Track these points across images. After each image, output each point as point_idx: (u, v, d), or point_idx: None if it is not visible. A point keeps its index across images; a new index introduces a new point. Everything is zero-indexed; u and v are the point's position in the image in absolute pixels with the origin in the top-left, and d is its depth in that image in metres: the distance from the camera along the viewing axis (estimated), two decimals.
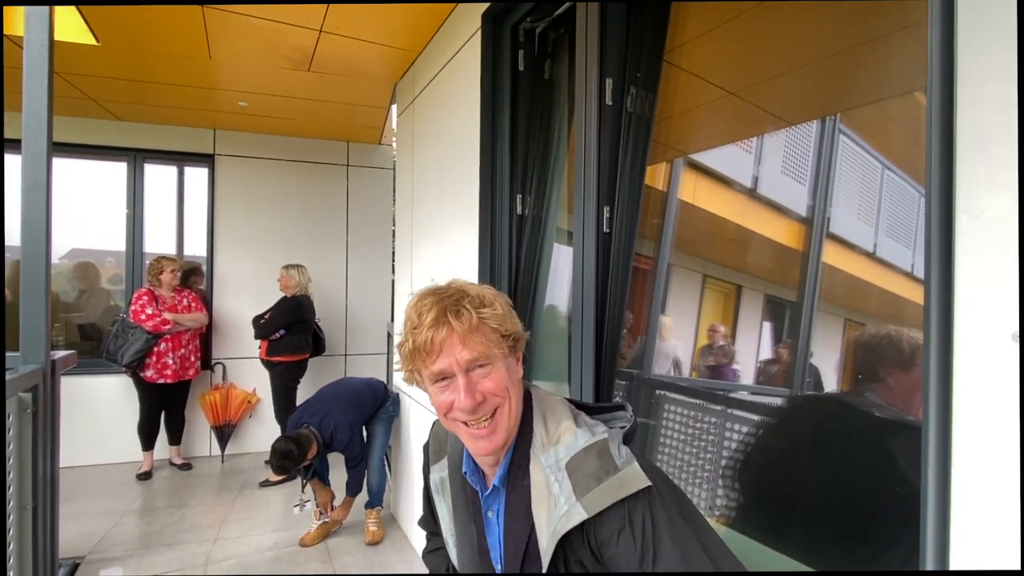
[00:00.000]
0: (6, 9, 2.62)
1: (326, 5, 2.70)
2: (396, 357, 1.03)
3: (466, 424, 0.97)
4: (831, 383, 1.38)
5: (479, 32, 2.41)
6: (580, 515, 0.89)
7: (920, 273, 0.92)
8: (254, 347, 4.85)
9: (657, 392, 1.72)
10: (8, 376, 1.93)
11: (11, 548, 1.83)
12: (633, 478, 0.90)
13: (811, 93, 1.44)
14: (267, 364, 4.65)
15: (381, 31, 3.06)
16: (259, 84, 4.06)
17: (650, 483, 0.89)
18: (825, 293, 1.37)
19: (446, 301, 0.96)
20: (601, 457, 0.92)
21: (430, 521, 1.24)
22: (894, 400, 1.17)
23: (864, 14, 1.27)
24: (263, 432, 5.16)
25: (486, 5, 2.35)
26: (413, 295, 1.02)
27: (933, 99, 0.87)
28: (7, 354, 2.32)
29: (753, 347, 1.60)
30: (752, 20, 1.53)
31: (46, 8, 2.13)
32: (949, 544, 0.85)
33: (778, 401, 1.48)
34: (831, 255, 1.37)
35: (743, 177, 1.64)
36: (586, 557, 0.91)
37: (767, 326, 1.56)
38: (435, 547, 1.27)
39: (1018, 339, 0.77)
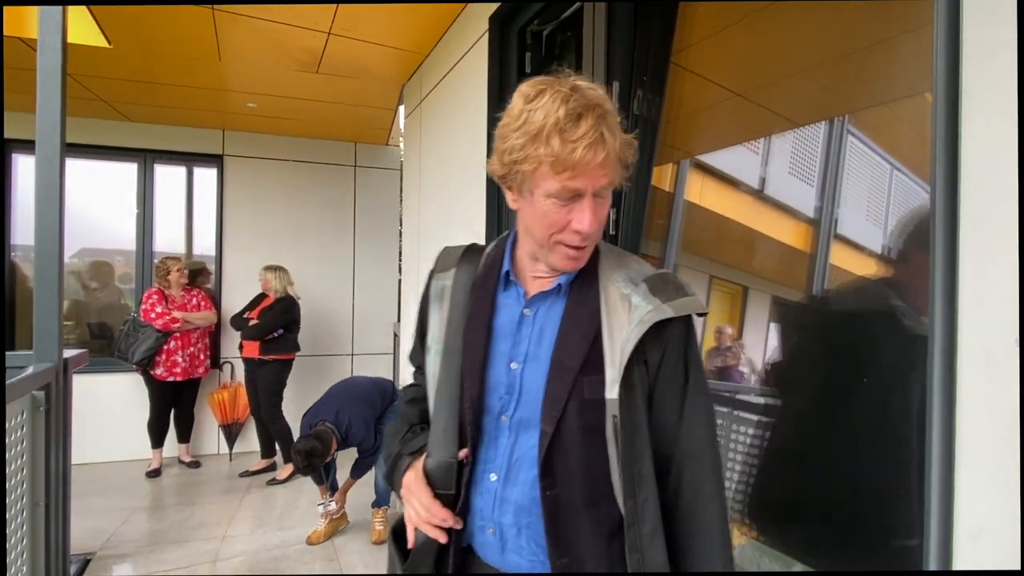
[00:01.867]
0: (20, 12, 2.65)
1: (335, 8, 2.72)
2: (502, 143, 0.90)
3: (575, 247, 0.91)
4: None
5: (487, 35, 2.42)
6: (668, 312, 0.90)
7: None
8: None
9: None
10: (22, 374, 1.95)
11: (24, 544, 1.86)
12: (701, 302, 0.95)
13: (819, 94, 1.43)
14: (257, 363, 4.63)
15: (389, 33, 3.08)
16: (268, 85, 4.09)
17: (707, 311, 0.99)
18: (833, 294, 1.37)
19: (599, 111, 0.86)
20: (673, 280, 0.96)
21: (419, 351, 1.13)
22: None
23: (872, 15, 1.27)
24: None
25: (494, 8, 2.35)
26: (535, 84, 0.90)
27: (938, 103, 0.87)
28: (21, 352, 2.36)
29: (760, 348, 1.60)
30: (759, 21, 1.53)
31: (59, 11, 2.16)
32: (952, 545, 0.85)
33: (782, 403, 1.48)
34: (839, 256, 1.37)
35: (750, 178, 1.64)
36: (636, 375, 0.90)
37: (774, 327, 1.56)
38: (412, 396, 1.14)
39: (1018, 343, 0.77)
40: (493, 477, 0.96)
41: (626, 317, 0.92)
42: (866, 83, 1.31)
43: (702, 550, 0.89)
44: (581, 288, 0.96)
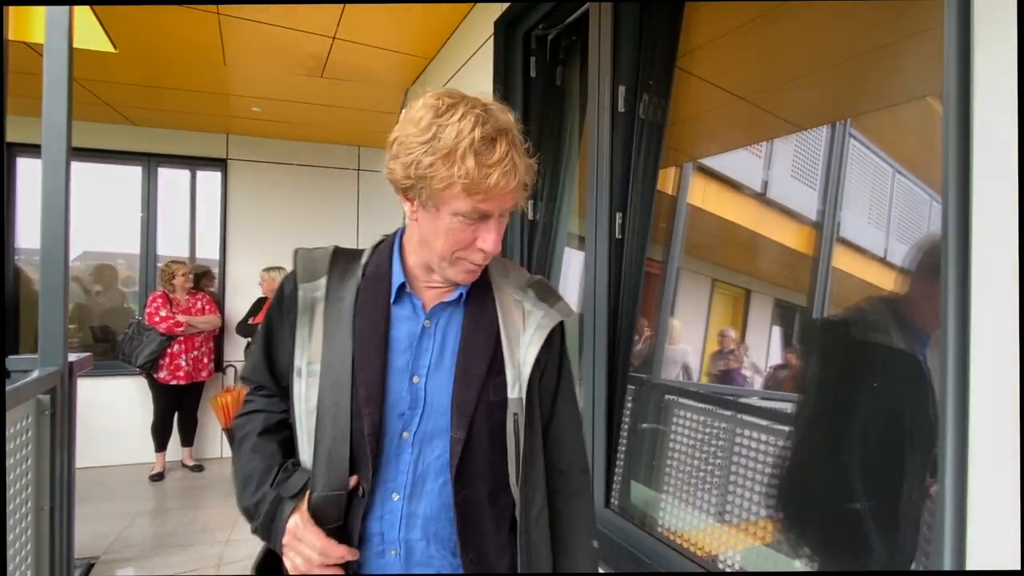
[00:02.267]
0: (26, 17, 2.68)
1: (340, 13, 2.74)
2: (406, 153, 0.87)
3: (476, 264, 0.93)
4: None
5: (492, 39, 2.43)
6: (558, 317, 1.01)
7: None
8: None
9: (666, 397, 1.72)
10: (27, 378, 1.96)
11: (28, 548, 1.86)
12: (570, 308, 1.05)
13: (822, 98, 1.44)
14: None
15: (394, 38, 3.09)
16: (272, 90, 4.11)
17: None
18: (835, 298, 1.37)
19: (510, 135, 0.87)
20: (550, 286, 1.07)
21: (266, 371, 1.01)
22: None
23: (877, 19, 1.27)
24: None
25: (499, 12, 2.37)
26: (444, 97, 0.87)
27: (949, 107, 0.86)
28: (26, 356, 2.36)
29: (763, 352, 1.60)
30: (763, 25, 1.54)
31: (66, 16, 2.18)
32: (966, 546, 0.84)
33: (788, 407, 1.48)
34: (841, 260, 1.37)
35: (753, 181, 1.65)
36: (534, 374, 0.99)
37: (776, 331, 1.56)
38: (263, 426, 1.00)
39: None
40: (396, 496, 0.93)
41: (521, 322, 0.99)
42: (870, 87, 1.32)
43: (570, 541, 1.01)
44: (477, 296, 0.99)
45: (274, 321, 1.00)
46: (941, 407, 0.87)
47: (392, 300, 0.97)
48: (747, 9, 1.55)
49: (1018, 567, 0.76)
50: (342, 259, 1.00)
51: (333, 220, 5.68)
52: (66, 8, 2.16)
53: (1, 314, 4.68)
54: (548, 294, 1.03)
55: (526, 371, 0.96)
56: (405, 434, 0.93)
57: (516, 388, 0.95)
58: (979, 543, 0.83)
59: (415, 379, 0.94)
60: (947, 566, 0.85)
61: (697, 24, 1.68)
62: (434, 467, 0.94)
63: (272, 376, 1.02)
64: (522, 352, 0.97)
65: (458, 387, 0.94)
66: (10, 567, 1.69)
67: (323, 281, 0.96)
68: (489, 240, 0.89)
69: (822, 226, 1.41)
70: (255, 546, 1.01)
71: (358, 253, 1.02)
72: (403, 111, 0.91)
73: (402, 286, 0.97)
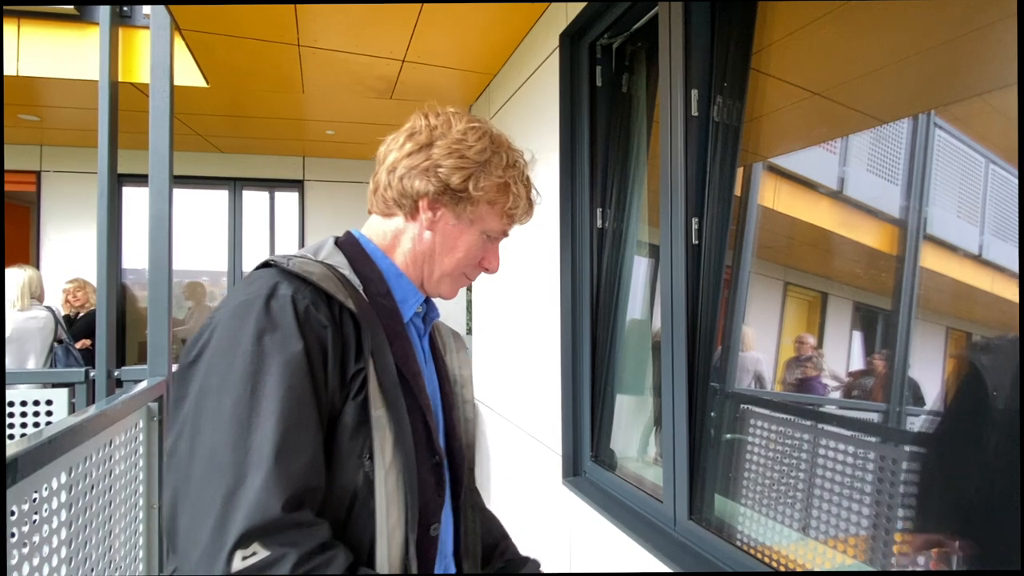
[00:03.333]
0: (131, 59, 2.97)
1: (410, 37, 2.86)
2: (461, 162, 0.85)
3: (469, 280, 0.95)
4: (931, 397, 1.31)
5: (556, 51, 2.48)
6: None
7: None
8: None
9: (742, 407, 1.68)
10: (137, 388, 2.15)
11: (140, 543, 2.03)
12: None
13: (904, 89, 1.38)
14: None
15: (459, 56, 3.20)
16: (345, 113, 4.33)
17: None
18: (923, 300, 1.30)
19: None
20: None
21: (315, 454, 0.68)
22: None
23: (965, 3, 1.22)
24: None
25: (564, 25, 2.41)
26: (481, 121, 0.90)
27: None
28: (134, 367, 2.59)
29: (842, 358, 1.54)
30: (840, 17, 1.50)
31: (167, 56, 2.40)
32: None
33: (874, 417, 1.42)
34: (929, 258, 1.30)
35: (827, 179, 1.60)
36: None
37: (857, 336, 1.50)
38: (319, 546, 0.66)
39: None
40: (435, 528, 0.83)
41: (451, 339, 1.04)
42: (957, 75, 1.26)
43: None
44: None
45: (314, 356, 0.70)
46: None
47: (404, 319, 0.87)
48: (823, 2, 1.51)
49: (1018, 567, 0.71)
50: (340, 277, 0.80)
51: None
52: (167, 50, 2.38)
53: (120, 329, 5.14)
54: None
55: (456, 375, 1.01)
56: (437, 458, 0.85)
57: (468, 391, 1.02)
58: None
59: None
60: None
61: (772, 21, 1.65)
62: (451, 485, 0.90)
63: (319, 454, 0.69)
64: (453, 361, 1.02)
65: (447, 401, 0.95)
66: (124, 562, 1.85)
67: (352, 304, 0.77)
68: (495, 261, 0.94)
69: (906, 223, 1.35)
70: None
71: (338, 271, 0.81)
72: (424, 121, 0.88)
73: (419, 313, 0.93)
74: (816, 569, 1.39)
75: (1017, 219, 0.83)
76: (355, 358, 0.74)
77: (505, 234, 0.92)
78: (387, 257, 0.89)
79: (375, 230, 0.92)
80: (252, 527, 0.59)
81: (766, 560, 1.47)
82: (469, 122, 0.88)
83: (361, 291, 0.81)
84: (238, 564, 0.58)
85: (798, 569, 1.42)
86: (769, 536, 1.52)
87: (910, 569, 1.09)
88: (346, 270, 0.82)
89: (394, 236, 0.90)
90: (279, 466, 0.62)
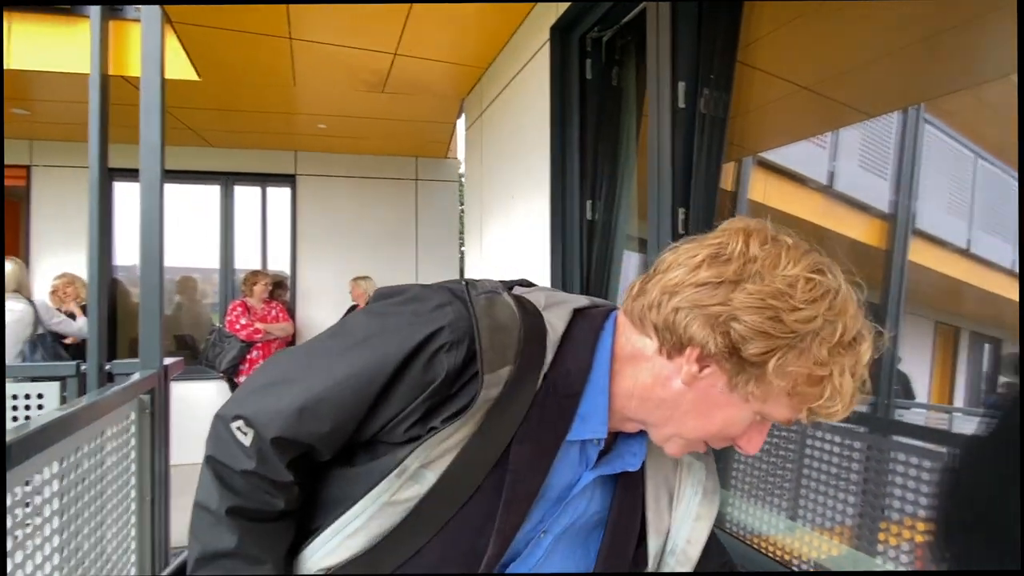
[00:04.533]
0: (123, 53, 2.94)
1: (401, 30, 2.86)
2: (780, 328, 0.59)
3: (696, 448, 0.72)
4: (921, 390, 1.33)
5: (547, 45, 2.48)
6: (717, 482, 0.80)
7: None
8: None
9: None
10: (129, 380, 2.15)
11: (132, 535, 2.03)
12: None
13: (892, 82, 1.39)
14: None
15: (451, 50, 3.19)
16: (337, 107, 4.32)
17: None
18: (912, 294, 1.32)
19: None
20: None
21: (345, 418, 0.66)
22: None
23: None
24: None
25: (554, 19, 2.41)
26: (833, 290, 0.61)
27: None
28: (126, 361, 2.59)
29: None
30: (827, 11, 1.51)
31: (158, 49, 2.38)
32: None
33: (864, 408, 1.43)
34: (918, 252, 1.32)
35: (817, 174, 1.61)
36: None
37: None
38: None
39: None
40: None
41: (674, 474, 0.78)
42: (945, 68, 1.27)
43: None
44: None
45: (408, 381, 0.65)
46: None
47: (569, 436, 0.70)
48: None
49: (1018, 567, 0.72)
50: (530, 343, 0.67)
51: (393, 229, 5.88)
52: (159, 42, 2.36)
53: (112, 322, 5.11)
54: None
55: (682, 545, 0.75)
56: None
57: (655, 560, 0.75)
58: None
59: (542, 534, 0.72)
60: None
61: (758, 15, 1.66)
62: None
63: (339, 436, 0.67)
64: (677, 522, 0.76)
65: (606, 559, 0.74)
66: (116, 554, 1.85)
67: (507, 373, 0.65)
68: (757, 445, 0.69)
69: (895, 218, 1.36)
70: None
71: (540, 329, 0.68)
72: (742, 244, 0.63)
73: (594, 437, 0.71)
74: (806, 554, 1.41)
75: (1017, 214, 0.84)
76: (454, 418, 0.64)
77: (790, 423, 0.66)
78: (608, 367, 0.69)
79: (622, 331, 0.71)
80: (251, 418, 0.66)
81: (753, 545, 1.49)
82: (808, 268, 0.61)
83: (544, 367, 0.67)
84: (235, 427, 0.66)
85: (783, 553, 1.44)
86: (756, 522, 1.54)
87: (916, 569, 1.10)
88: (552, 340, 0.68)
89: (634, 355, 0.69)
90: (300, 412, 0.65)
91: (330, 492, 0.70)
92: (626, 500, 0.75)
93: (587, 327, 0.71)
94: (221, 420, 0.68)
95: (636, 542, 0.75)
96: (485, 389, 0.63)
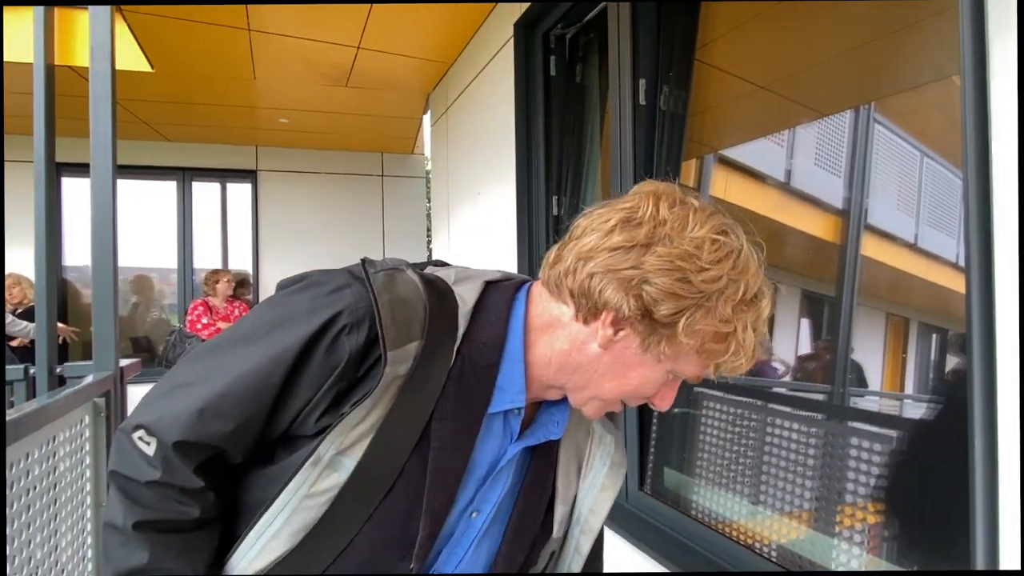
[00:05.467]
0: (71, 41, 2.82)
1: (364, 23, 2.82)
2: (684, 287, 0.61)
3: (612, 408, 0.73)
4: (874, 379, 1.37)
5: (511, 41, 2.48)
6: (625, 458, 0.85)
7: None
8: None
9: (695, 389, 1.73)
10: (82, 383, 2.07)
11: (88, 543, 1.96)
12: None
13: (844, 82, 1.44)
14: None
15: (415, 44, 3.16)
16: (299, 101, 4.23)
17: None
18: (865, 287, 1.36)
19: None
20: None
21: (249, 423, 0.64)
22: None
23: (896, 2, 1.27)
24: None
25: (518, 15, 2.41)
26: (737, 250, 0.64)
27: (967, 87, 0.86)
28: (79, 363, 2.49)
29: (791, 343, 1.60)
30: (781, 13, 1.54)
31: (108, 39, 2.29)
32: (999, 545, 0.84)
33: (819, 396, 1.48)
34: (870, 247, 1.36)
35: (775, 170, 1.65)
36: None
37: (804, 322, 1.55)
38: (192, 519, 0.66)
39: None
40: None
41: (587, 447, 0.81)
42: (892, 68, 1.31)
43: None
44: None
45: (311, 369, 0.64)
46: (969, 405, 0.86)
47: (489, 408, 0.70)
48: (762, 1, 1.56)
49: (1018, 567, 0.76)
50: (439, 316, 0.66)
51: (360, 226, 5.80)
52: (108, 31, 2.27)
53: (57, 321, 4.90)
54: (613, 413, 0.80)
55: (586, 514, 0.78)
56: (411, 566, 0.70)
57: (561, 527, 0.78)
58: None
59: (473, 515, 0.72)
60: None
61: (715, 15, 1.70)
62: None
63: (246, 435, 0.65)
64: (583, 491, 0.79)
65: (511, 535, 0.75)
66: (71, 563, 1.79)
67: (414, 349, 0.64)
68: (669, 401, 0.71)
69: (849, 214, 1.40)
70: None
71: (451, 306, 0.68)
72: (653, 208, 0.64)
73: (509, 404, 0.71)
74: (768, 537, 1.45)
75: (961, 210, 0.88)
76: (363, 400, 0.63)
77: (699, 379, 0.69)
78: (523, 337, 0.70)
79: (536, 300, 0.71)
80: (151, 426, 0.64)
81: (717, 528, 1.53)
82: (714, 229, 0.63)
83: (457, 341, 0.67)
84: (136, 438, 0.64)
85: (747, 537, 1.48)
86: (718, 505, 1.58)
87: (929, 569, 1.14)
88: (464, 312, 0.68)
89: (550, 323, 0.70)
90: (200, 413, 0.63)
91: (251, 496, 0.68)
92: (540, 467, 0.76)
93: (499, 298, 0.71)
94: (122, 432, 0.65)
95: (546, 508, 0.77)
96: (391, 366, 0.63)
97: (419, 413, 0.66)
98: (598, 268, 0.63)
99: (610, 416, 0.81)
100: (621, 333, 0.65)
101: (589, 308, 0.65)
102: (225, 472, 0.68)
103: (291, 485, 0.64)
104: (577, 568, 0.80)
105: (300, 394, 0.64)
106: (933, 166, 1.26)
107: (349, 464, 0.64)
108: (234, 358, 0.65)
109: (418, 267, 0.73)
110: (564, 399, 0.74)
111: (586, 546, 0.79)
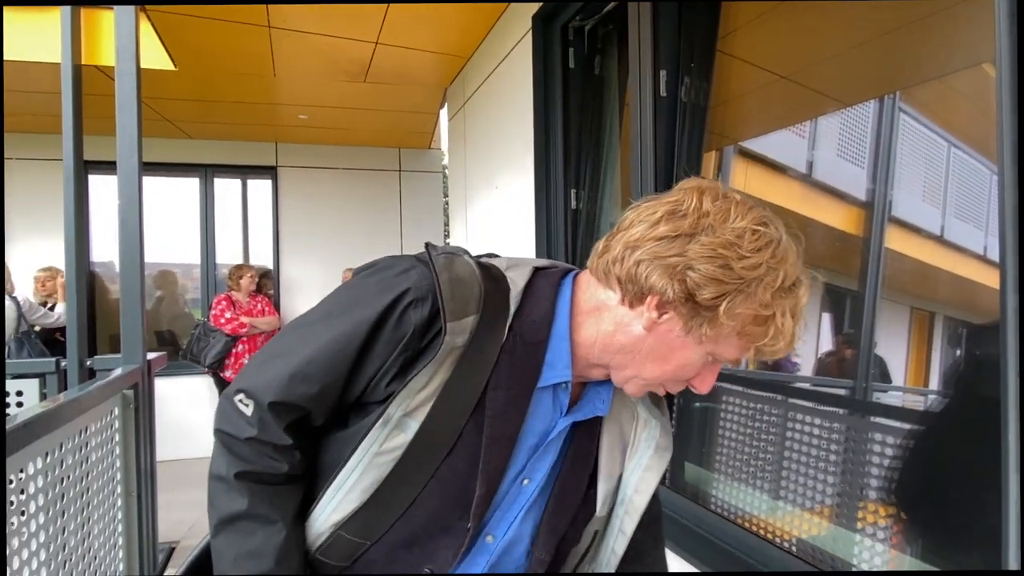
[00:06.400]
0: (96, 41, 2.88)
1: (382, 18, 2.83)
2: (727, 274, 0.66)
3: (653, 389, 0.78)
4: (897, 374, 1.36)
5: (529, 34, 2.48)
6: (670, 440, 0.87)
7: (994, 255, 0.90)
8: None
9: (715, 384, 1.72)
10: (111, 375, 2.12)
11: (119, 531, 2.02)
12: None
13: (868, 72, 1.41)
14: None
15: (433, 39, 3.17)
16: (318, 97, 4.26)
17: None
18: (889, 280, 1.34)
19: None
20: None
21: (330, 386, 0.73)
22: None
23: None
24: None
25: (536, 7, 2.41)
26: (777, 241, 0.68)
27: (1003, 73, 0.84)
28: (107, 356, 2.55)
29: (812, 337, 1.58)
30: (804, 1, 1.52)
31: (133, 38, 2.34)
32: None
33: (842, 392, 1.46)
34: (895, 240, 1.34)
35: (796, 162, 1.63)
36: None
37: (827, 316, 1.54)
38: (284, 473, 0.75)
39: None
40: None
41: (632, 430, 0.85)
42: (918, 57, 1.29)
43: None
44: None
45: (382, 340, 0.72)
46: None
47: (539, 382, 0.76)
48: None
49: (1018, 567, 0.75)
50: (494, 294, 0.74)
51: (378, 220, 5.84)
52: (133, 31, 2.32)
53: (91, 318, 5.03)
54: (659, 398, 0.84)
55: (630, 494, 0.82)
56: (490, 538, 0.78)
57: (605, 505, 0.83)
58: None
59: (525, 482, 0.78)
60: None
61: (737, 4, 1.68)
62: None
63: (328, 398, 0.74)
64: (628, 471, 0.83)
65: (553, 504, 0.80)
66: (103, 550, 1.84)
67: (471, 323, 0.71)
68: (709, 384, 0.76)
69: (872, 206, 1.38)
70: None
71: (504, 287, 0.76)
72: (696, 201, 0.69)
73: (561, 380, 0.77)
74: (789, 532, 1.45)
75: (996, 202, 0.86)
76: (426, 366, 0.70)
77: (738, 362, 0.80)
78: (569, 317, 0.76)
79: (584, 287, 0.78)
80: (251, 390, 0.73)
81: (736, 522, 1.53)
82: (754, 220, 0.68)
83: (509, 318, 0.74)
84: (237, 400, 0.73)
85: (766, 529, 1.48)
86: (738, 500, 1.58)
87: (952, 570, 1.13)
88: (514, 293, 0.75)
89: (597, 307, 0.75)
90: (291, 378, 0.72)
91: (328, 457, 0.77)
92: (584, 441, 0.82)
93: (546, 283, 0.78)
94: (226, 398, 0.75)
95: (588, 483, 0.82)
96: (450, 335, 0.70)
97: (475, 382, 0.73)
98: (645, 256, 0.69)
99: (656, 404, 0.85)
100: (665, 316, 0.70)
101: (635, 293, 0.70)
102: (309, 435, 0.77)
103: (363, 444, 0.72)
104: (620, 549, 0.84)
105: (373, 361, 0.72)
106: (960, 156, 1.24)
107: (414, 425, 0.72)
108: (318, 331, 0.74)
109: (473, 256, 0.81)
110: (609, 380, 0.79)
111: (630, 527, 0.83)
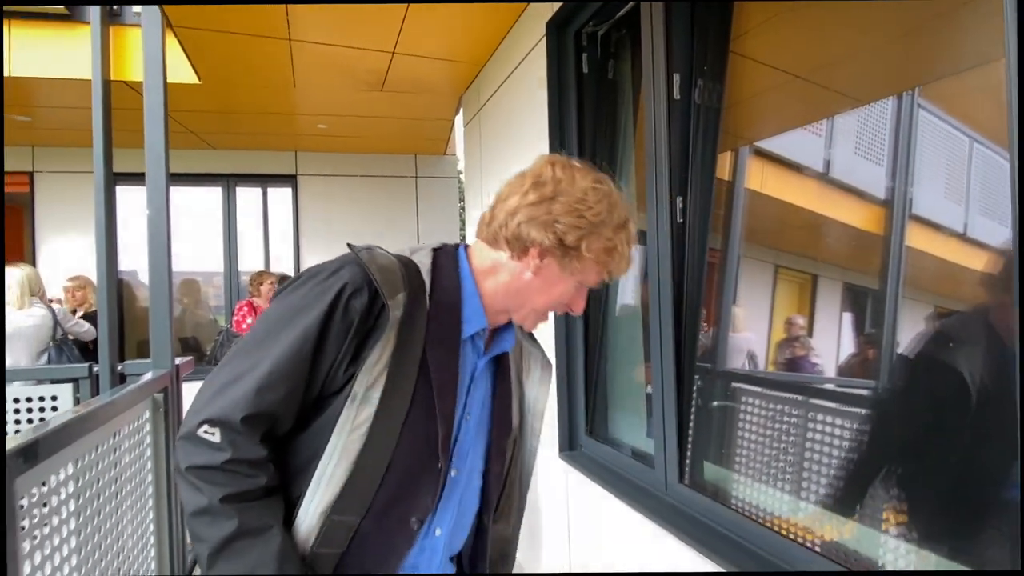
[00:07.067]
0: (124, 57, 2.98)
1: (399, 29, 2.88)
2: (575, 218, 0.88)
3: (542, 318, 1.01)
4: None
5: (543, 40, 2.50)
6: (550, 364, 1.14)
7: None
8: None
9: (733, 385, 1.72)
10: (141, 380, 2.18)
11: (151, 532, 2.07)
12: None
13: (885, 69, 1.40)
14: None
15: (448, 47, 3.21)
16: (337, 106, 4.34)
17: None
18: (910, 279, 1.33)
19: None
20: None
21: (294, 393, 0.82)
22: None
23: None
24: None
25: (549, 14, 2.43)
26: (607, 180, 0.94)
27: (1011, 67, 0.85)
28: (137, 361, 2.63)
29: (833, 338, 1.57)
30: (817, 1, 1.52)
31: (160, 54, 2.41)
32: None
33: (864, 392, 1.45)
34: (916, 238, 1.33)
35: (814, 162, 1.63)
36: None
37: (847, 316, 1.52)
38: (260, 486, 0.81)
39: None
40: (438, 532, 0.93)
41: (520, 358, 1.09)
42: (937, 53, 1.28)
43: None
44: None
45: (333, 333, 0.83)
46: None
47: (462, 334, 0.94)
48: None
49: (1018, 567, 0.75)
50: (412, 274, 0.90)
51: (395, 227, 5.91)
52: (160, 46, 2.39)
53: (119, 325, 5.15)
54: (532, 335, 1.11)
55: (532, 403, 1.08)
56: (455, 471, 0.95)
57: (516, 416, 1.06)
58: None
59: (468, 417, 0.97)
60: None
61: (749, 5, 1.68)
62: (471, 503, 0.99)
63: (294, 400, 0.83)
64: (528, 386, 1.08)
65: (497, 425, 1.01)
66: (134, 552, 1.88)
67: (402, 298, 0.86)
68: (582, 305, 0.99)
69: (892, 203, 1.37)
70: None
71: (414, 267, 0.92)
72: (551, 171, 0.92)
73: (477, 327, 0.96)
74: (816, 531, 1.44)
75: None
76: (375, 344, 0.84)
77: (599, 285, 0.98)
78: (473, 278, 0.96)
79: (478, 253, 0.98)
80: (216, 417, 0.79)
81: (760, 521, 1.53)
82: (593, 181, 0.92)
83: (427, 293, 0.90)
84: (201, 432, 0.79)
85: (785, 527, 1.47)
86: (756, 497, 1.58)
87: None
88: (425, 271, 0.92)
89: (493, 265, 0.96)
90: (257, 391, 0.80)
91: (301, 457, 0.85)
92: (504, 375, 1.04)
93: (446, 258, 0.97)
94: (186, 436, 0.80)
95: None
96: (392, 311, 0.84)
97: (415, 345, 0.88)
98: (523, 218, 0.90)
99: (531, 338, 1.10)
100: (545, 260, 0.91)
101: (520, 248, 0.91)
102: (277, 445, 0.85)
103: (337, 426, 0.83)
104: (536, 443, 1.08)
105: (329, 354, 0.83)
106: (983, 151, 1.23)
107: (375, 396, 0.84)
108: (268, 348, 0.83)
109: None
110: (509, 324, 1.01)
111: (538, 426, 1.08)
